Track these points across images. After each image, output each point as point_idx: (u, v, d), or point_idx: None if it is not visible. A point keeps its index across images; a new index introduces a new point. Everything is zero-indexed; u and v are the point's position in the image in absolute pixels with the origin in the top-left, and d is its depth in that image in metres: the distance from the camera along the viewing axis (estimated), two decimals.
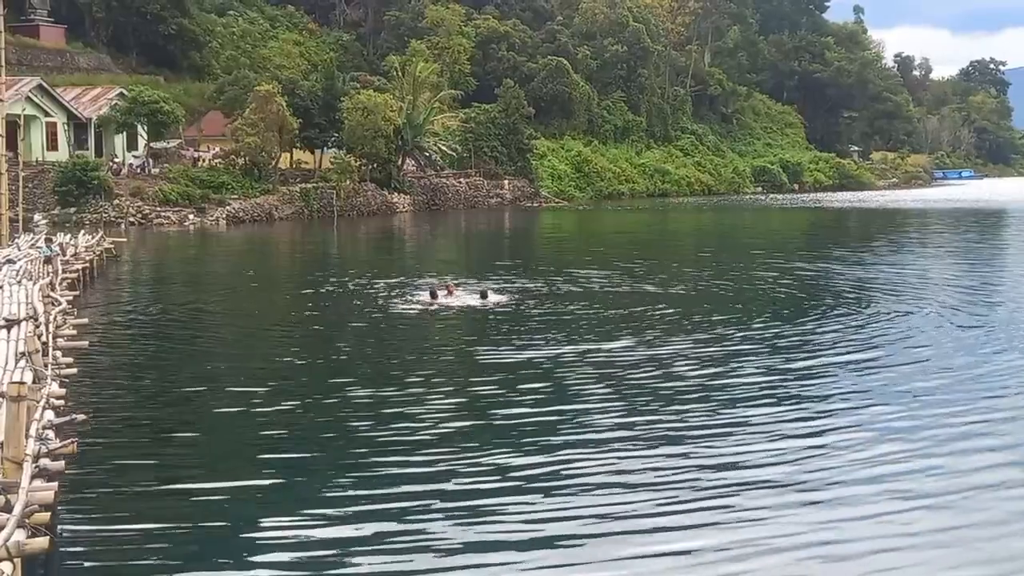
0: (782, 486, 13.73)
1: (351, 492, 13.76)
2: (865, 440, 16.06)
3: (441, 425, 16.91)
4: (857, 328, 26.63)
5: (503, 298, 31.72)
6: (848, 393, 19.48)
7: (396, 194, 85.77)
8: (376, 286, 35.37)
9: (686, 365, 21.74)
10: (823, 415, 17.66)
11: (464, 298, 31.51)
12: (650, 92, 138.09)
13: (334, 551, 11.73)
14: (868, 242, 60.18)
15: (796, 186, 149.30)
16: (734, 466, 14.63)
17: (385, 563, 11.42)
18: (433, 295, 31.22)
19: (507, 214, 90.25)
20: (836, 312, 29.50)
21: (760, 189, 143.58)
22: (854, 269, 42.36)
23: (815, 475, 14.20)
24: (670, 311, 29.64)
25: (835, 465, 14.76)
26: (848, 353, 23.33)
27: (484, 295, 31.55)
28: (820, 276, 40.07)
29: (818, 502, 13.24)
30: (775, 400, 18.75)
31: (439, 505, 13.07)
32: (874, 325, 27.13)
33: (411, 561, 11.44)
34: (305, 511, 12.88)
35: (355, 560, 11.51)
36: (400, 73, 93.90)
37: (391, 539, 12.02)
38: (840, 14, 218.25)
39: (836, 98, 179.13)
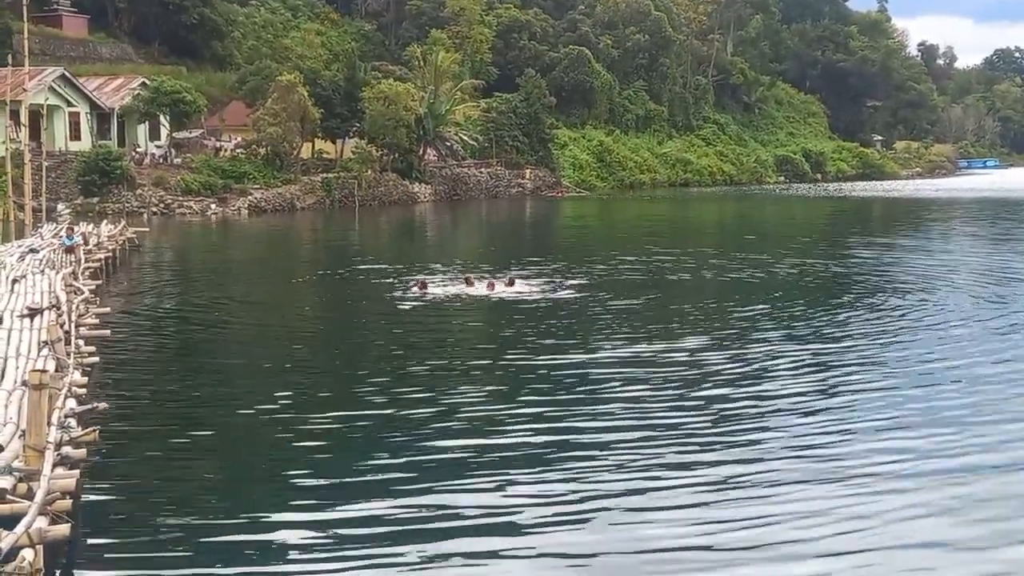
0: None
1: (375, 486, 13.74)
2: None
3: (482, 434, 15.94)
4: (917, 318, 26.69)
5: (518, 289, 31.50)
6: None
7: (417, 184, 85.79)
8: (401, 276, 35.22)
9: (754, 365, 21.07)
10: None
11: (519, 288, 31.52)
12: (672, 81, 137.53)
13: (358, 539, 11.75)
14: (904, 231, 59.89)
15: (819, 176, 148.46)
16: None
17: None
18: (491, 286, 31.37)
19: (529, 204, 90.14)
20: (894, 300, 29.59)
21: (782, 179, 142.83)
22: (896, 256, 42.56)
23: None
24: (718, 302, 29.81)
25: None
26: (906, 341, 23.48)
27: (492, 285, 31.41)
28: (866, 264, 39.90)
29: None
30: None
31: (480, 536, 12.03)
32: (933, 314, 27.21)
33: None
34: (329, 501, 12.91)
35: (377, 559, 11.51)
36: (421, 62, 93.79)
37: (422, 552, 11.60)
38: (863, 3, 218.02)
39: (859, 87, 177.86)
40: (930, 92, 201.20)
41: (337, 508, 12.65)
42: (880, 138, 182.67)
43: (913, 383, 19.37)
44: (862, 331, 24.76)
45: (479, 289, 31.25)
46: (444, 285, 32.55)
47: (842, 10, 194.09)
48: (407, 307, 28.91)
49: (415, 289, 31.45)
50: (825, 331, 24.81)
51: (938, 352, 22.26)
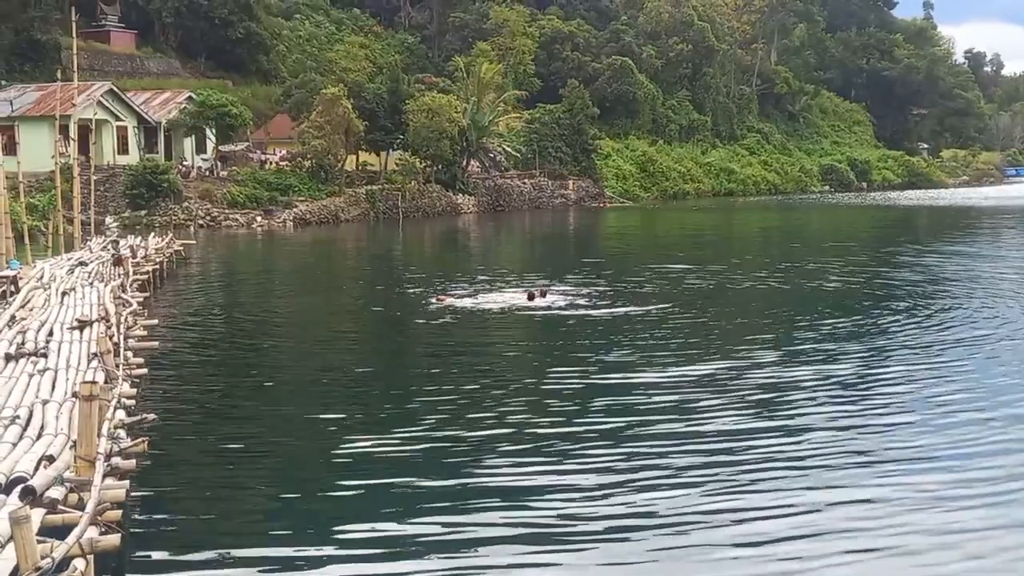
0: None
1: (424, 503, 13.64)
2: None
3: (532, 453, 15.41)
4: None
5: (557, 299, 31.19)
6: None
7: (461, 195, 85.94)
8: (448, 288, 34.79)
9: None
10: None
11: (557, 300, 31.21)
12: (715, 91, 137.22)
13: (410, 556, 11.65)
14: (961, 239, 59.14)
15: (864, 184, 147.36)
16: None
17: None
18: (531, 297, 30.96)
19: (572, 214, 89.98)
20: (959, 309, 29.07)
21: (827, 188, 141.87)
22: (965, 265, 41.97)
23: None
24: (788, 313, 29.56)
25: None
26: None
27: (531, 296, 30.96)
28: (930, 273, 39.21)
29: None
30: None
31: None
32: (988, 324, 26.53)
33: None
34: (381, 516, 12.80)
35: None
36: (465, 74, 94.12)
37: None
38: (909, 10, 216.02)
39: (905, 95, 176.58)
40: (977, 100, 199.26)
41: (389, 523, 12.53)
42: (926, 146, 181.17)
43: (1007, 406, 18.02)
44: (949, 347, 23.40)
45: (516, 299, 31.07)
46: (481, 295, 32.44)
47: (887, 18, 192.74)
48: (449, 319, 28.67)
49: (435, 300, 31.38)
50: (905, 344, 23.72)
51: None
